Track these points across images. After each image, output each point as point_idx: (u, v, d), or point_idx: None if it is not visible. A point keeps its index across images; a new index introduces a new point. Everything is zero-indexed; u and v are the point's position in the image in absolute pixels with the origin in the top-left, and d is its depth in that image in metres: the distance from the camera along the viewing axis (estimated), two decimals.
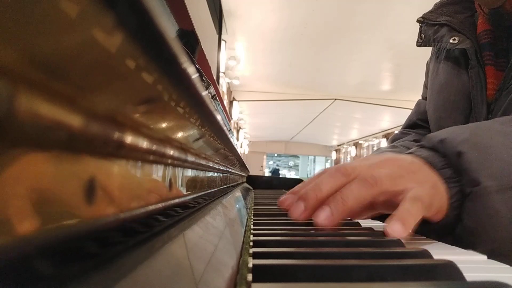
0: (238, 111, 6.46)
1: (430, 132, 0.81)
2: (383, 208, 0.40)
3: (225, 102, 4.81)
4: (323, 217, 0.35)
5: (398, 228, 0.33)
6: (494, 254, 0.31)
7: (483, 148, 0.36)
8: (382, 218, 0.43)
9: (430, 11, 0.70)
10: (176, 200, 0.23)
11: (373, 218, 0.49)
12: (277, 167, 17.06)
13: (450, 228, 0.38)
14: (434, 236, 0.37)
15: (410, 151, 0.42)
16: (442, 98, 0.67)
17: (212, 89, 0.73)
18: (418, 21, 0.70)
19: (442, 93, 0.67)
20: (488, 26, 0.62)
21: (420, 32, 0.70)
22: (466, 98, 0.62)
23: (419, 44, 0.71)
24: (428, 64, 0.80)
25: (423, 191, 0.35)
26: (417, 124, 0.83)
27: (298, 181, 1.93)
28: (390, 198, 0.36)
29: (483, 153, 0.36)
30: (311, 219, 0.38)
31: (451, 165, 0.37)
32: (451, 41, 0.63)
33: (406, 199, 0.35)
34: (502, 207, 0.34)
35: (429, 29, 0.68)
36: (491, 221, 0.35)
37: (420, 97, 0.86)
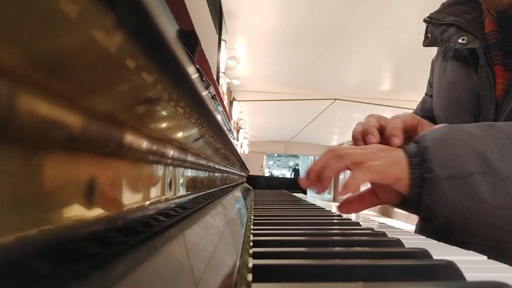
0: (238, 111, 6.46)
1: None
2: None
3: (225, 102, 4.81)
4: (317, 189, 0.47)
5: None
6: (446, 226, 0.43)
7: (445, 145, 0.45)
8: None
9: (437, 11, 0.70)
10: (176, 200, 0.23)
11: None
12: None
13: (415, 205, 0.46)
14: (434, 236, 0.39)
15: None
16: (451, 97, 0.67)
17: (212, 89, 0.73)
18: (425, 21, 0.70)
19: (451, 92, 0.67)
20: (496, 27, 0.62)
21: (426, 32, 0.70)
22: (475, 98, 0.62)
23: (425, 44, 0.70)
24: (433, 62, 0.80)
25: (379, 162, 0.45)
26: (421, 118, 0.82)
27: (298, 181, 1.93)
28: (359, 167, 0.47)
29: (442, 148, 0.44)
30: (311, 220, 0.39)
31: (420, 155, 0.46)
32: (459, 41, 0.63)
33: (358, 167, 0.45)
34: (449, 191, 0.42)
35: (436, 29, 0.68)
36: (441, 202, 0.43)
37: (424, 95, 0.85)
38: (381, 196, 0.50)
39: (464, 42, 0.63)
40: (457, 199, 0.42)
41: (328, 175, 0.47)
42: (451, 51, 0.68)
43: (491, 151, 0.42)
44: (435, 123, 0.75)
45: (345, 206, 0.50)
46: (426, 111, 0.82)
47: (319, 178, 0.47)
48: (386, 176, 0.45)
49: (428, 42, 0.70)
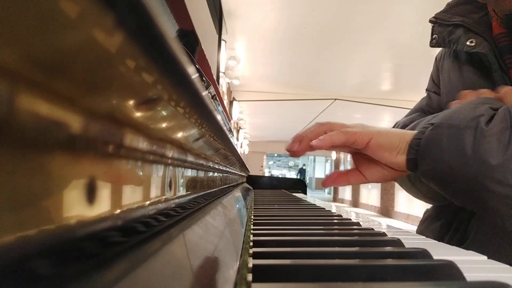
0: (238, 111, 6.45)
1: None
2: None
3: (225, 102, 4.81)
4: (295, 146, 0.51)
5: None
6: (431, 173, 0.47)
7: (450, 112, 0.49)
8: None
9: (443, 11, 0.69)
10: (176, 200, 0.23)
11: None
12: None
13: (411, 152, 0.50)
14: (434, 237, 0.39)
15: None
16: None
17: (212, 89, 0.73)
18: (430, 21, 0.70)
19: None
20: (503, 29, 0.62)
21: (432, 33, 0.70)
22: None
23: (433, 45, 0.70)
24: (438, 60, 0.79)
25: (354, 128, 0.50)
26: (426, 112, 0.82)
27: (298, 181, 1.93)
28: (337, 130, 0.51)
29: (450, 114, 0.49)
30: (311, 220, 0.39)
31: (427, 128, 0.50)
32: (468, 43, 0.63)
33: (336, 130, 0.50)
34: (445, 137, 0.47)
35: (443, 29, 0.67)
36: (435, 145, 0.47)
37: (425, 93, 0.84)
38: (365, 174, 0.53)
39: (473, 45, 0.63)
40: (448, 146, 0.46)
41: (309, 136, 0.51)
42: (463, 52, 0.68)
43: (484, 117, 0.46)
44: None
45: (329, 179, 0.53)
46: (433, 109, 0.81)
47: (300, 140, 0.51)
48: (359, 136, 0.50)
49: (435, 43, 0.69)
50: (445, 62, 0.75)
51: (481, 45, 0.62)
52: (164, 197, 0.20)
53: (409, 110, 0.87)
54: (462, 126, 0.47)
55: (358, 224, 0.42)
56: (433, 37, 0.70)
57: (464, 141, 0.46)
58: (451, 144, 0.46)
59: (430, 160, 0.48)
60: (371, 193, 9.59)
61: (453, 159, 0.46)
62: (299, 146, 0.51)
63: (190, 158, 0.27)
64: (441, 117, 0.50)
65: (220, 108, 0.96)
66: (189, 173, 0.29)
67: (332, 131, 0.51)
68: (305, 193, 1.67)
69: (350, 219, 0.47)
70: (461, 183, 0.46)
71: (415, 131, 0.51)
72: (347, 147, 0.53)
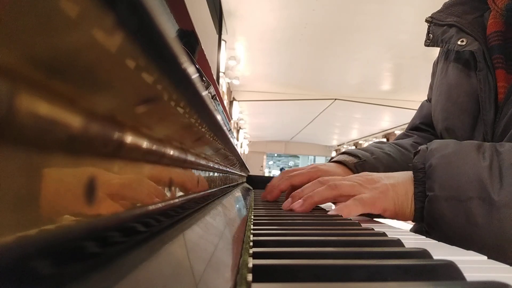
0: (238, 111, 6.46)
1: (432, 136, 0.81)
2: None
3: (225, 102, 4.81)
4: (297, 206, 0.54)
5: (333, 214, 0.50)
6: (447, 240, 0.42)
7: (449, 166, 0.47)
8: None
9: (439, 11, 0.69)
10: (176, 200, 0.23)
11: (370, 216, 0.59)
12: (283, 168, 17.32)
13: (420, 217, 0.50)
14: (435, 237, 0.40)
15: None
16: (451, 99, 0.67)
17: (212, 89, 0.73)
18: (426, 21, 0.70)
19: (451, 94, 0.67)
20: (500, 26, 0.61)
21: (428, 32, 0.70)
22: (475, 100, 0.62)
23: (427, 44, 0.70)
24: (435, 64, 0.80)
25: (369, 195, 0.50)
26: (419, 128, 0.83)
27: None
28: (348, 199, 0.51)
29: (446, 169, 0.47)
30: (311, 220, 0.45)
31: (425, 171, 0.50)
32: (459, 42, 0.63)
33: (351, 199, 0.50)
34: (446, 211, 0.45)
35: (438, 29, 0.68)
36: (440, 220, 0.46)
37: (423, 97, 0.85)
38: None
39: (463, 44, 0.63)
40: (454, 220, 0.45)
41: (315, 200, 0.53)
42: (453, 52, 0.68)
43: (491, 179, 0.44)
44: (433, 129, 0.76)
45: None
46: (423, 118, 0.82)
47: (304, 200, 0.53)
48: (376, 207, 0.51)
49: (430, 42, 0.70)
50: (438, 66, 0.75)
51: (471, 44, 0.62)
52: (164, 197, 0.20)
53: (409, 121, 0.88)
54: (463, 198, 0.45)
55: (358, 224, 0.42)
56: (428, 36, 0.70)
57: (472, 213, 0.44)
58: (457, 218, 0.45)
59: (439, 232, 0.47)
60: None
61: (462, 231, 0.45)
62: (303, 207, 0.53)
63: (190, 158, 0.27)
64: (434, 184, 0.47)
65: (220, 108, 0.96)
66: (189, 173, 0.29)
67: (341, 195, 0.52)
68: None
69: (350, 219, 0.47)
70: (477, 249, 0.44)
71: (415, 195, 0.50)
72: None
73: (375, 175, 0.54)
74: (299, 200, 0.54)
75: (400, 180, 0.52)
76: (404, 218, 0.52)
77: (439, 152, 0.49)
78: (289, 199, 0.57)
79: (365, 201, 0.50)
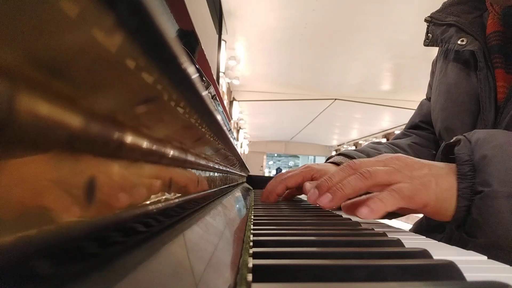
0: (238, 111, 6.46)
1: (432, 134, 0.81)
2: None
3: (225, 102, 4.81)
4: (325, 201, 0.45)
5: (365, 211, 0.40)
6: (493, 245, 0.39)
7: (507, 156, 0.40)
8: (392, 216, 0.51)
9: (438, 11, 0.69)
10: (176, 200, 0.23)
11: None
12: (279, 168, 17.36)
13: (462, 218, 0.43)
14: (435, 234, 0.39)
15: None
16: (450, 98, 0.67)
17: (212, 89, 0.73)
18: (426, 20, 0.70)
19: (450, 93, 0.67)
20: (499, 27, 0.62)
21: (427, 32, 0.70)
22: (475, 100, 0.62)
23: (426, 44, 0.70)
24: (434, 64, 0.80)
25: (408, 185, 0.42)
26: (419, 126, 0.83)
27: None
28: (383, 189, 0.43)
29: (504, 160, 0.40)
30: (311, 220, 0.43)
31: (474, 163, 0.42)
32: (459, 42, 0.63)
33: (387, 190, 0.42)
34: (506, 210, 0.39)
35: (437, 28, 0.68)
36: (495, 219, 0.39)
37: (423, 97, 0.85)
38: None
39: (463, 43, 0.63)
40: None
41: (346, 192, 0.44)
42: (452, 52, 0.68)
43: None
44: (432, 128, 0.76)
45: (350, 208, 0.46)
46: (423, 116, 0.82)
47: (333, 194, 0.44)
48: (415, 201, 0.42)
49: (429, 42, 0.70)
50: (437, 65, 0.75)
51: (472, 44, 0.62)
52: (164, 197, 0.20)
53: (407, 122, 0.88)
54: None
55: (358, 224, 0.42)
56: (428, 35, 0.70)
57: None
58: None
59: (490, 235, 0.40)
60: None
61: None
62: (332, 202, 0.45)
63: (190, 158, 0.27)
64: (491, 178, 0.40)
65: (220, 108, 0.96)
66: (189, 173, 0.29)
67: (372, 188, 0.43)
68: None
69: (350, 219, 0.47)
70: None
71: (459, 193, 0.42)
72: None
73: (415, 159, 0.46)
74: (327, 194, 0.45)
75: (444, 172, 0.44)
76: (443, 218, 0.44)
77: (490, 142, 0.42)
78: (315, 190, 0.47)
79: (405, 194, 0.41)
